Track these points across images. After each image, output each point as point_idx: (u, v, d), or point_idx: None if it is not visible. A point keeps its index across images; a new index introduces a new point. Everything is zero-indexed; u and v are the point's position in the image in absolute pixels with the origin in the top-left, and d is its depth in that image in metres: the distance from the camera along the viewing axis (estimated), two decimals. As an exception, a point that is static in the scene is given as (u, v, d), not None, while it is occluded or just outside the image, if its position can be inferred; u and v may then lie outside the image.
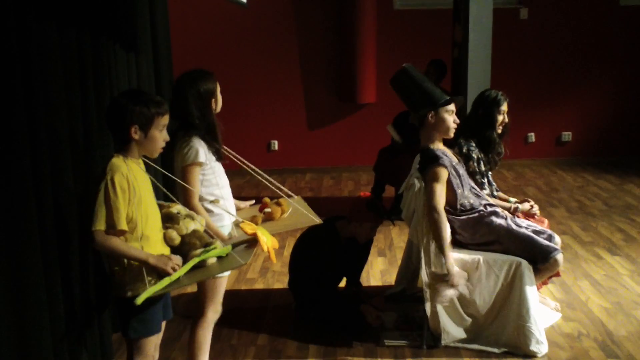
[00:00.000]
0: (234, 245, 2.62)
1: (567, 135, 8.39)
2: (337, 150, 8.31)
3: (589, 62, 8.21)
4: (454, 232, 3.55)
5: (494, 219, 3.53)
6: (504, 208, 3.75)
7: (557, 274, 3.78)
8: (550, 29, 8.11)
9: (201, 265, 2.47)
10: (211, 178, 2.87)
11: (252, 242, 2.63)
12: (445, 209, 3.43)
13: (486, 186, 3.86)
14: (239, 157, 2.92)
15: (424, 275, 3.41)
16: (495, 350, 3.43)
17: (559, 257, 3.47)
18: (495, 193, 3.93)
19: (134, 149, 2.44)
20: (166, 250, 2.50)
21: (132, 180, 2.37)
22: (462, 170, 3.57)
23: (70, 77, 2.87)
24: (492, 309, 3.47)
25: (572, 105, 8.28)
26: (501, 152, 3.93)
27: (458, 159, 3.63)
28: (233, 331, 3.75)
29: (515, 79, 7.97)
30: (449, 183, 3.44)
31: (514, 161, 8.06)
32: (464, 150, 3.80)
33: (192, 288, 2.98)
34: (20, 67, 2.37)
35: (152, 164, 2.62)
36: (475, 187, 3.66)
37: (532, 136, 8.37)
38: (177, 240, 2.52)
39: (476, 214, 3.53)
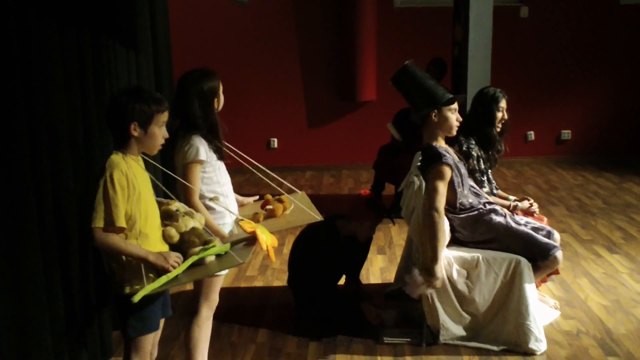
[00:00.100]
0: (233, 244, 2.62)
1: (566, 134, 8.39)
2: (337, 149, 8.31)
3: (589, 61, 8.20)
4: (453, 230, 3.55)
5: (493, 216, 3.53)
6: (503, 206, 3.75)
7: (557, 272, 3.80)
8: (550, 28, 8.11)
9: (200, 263, 2.46)
10: (212, 176, 2.87)
11: (251, 240, 2.63)
12: (444, 207, 3.43)
13: (486, 184, 3.86)
14: (243, 155, 2.91)
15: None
16: (495, 348, 3.44)
17: (559, 254, 3.47)
18: (494, 191, 3.94)
19: (134, 146, 2.44)
20: (165, 248, 2.50)
21: (131, 177, 2.37)
22: (463, 170, 3.56)
23: (70, 77, 2.88)
24: (492, 306, 3.47)
25: (571, 103, 8.28)
26: (501, 149, 3.93)
27: (459, 157, 3.63)
28: (233, 329, 3.76)
29: (515, 77, 7.97)
30: (451, 182, 3.43)
31: (513, 159, 8.06)
32: (464, 148, 3.80)
33: (192, 286, 2.98)
34: (20, 67, 2.38)
35: (151, 161, 2.62)
36: (475, 185, 3.66)
37: (531, 134, 8.37)
38: (176, 237, 2.52)
39: (475, 212, 3.53)
